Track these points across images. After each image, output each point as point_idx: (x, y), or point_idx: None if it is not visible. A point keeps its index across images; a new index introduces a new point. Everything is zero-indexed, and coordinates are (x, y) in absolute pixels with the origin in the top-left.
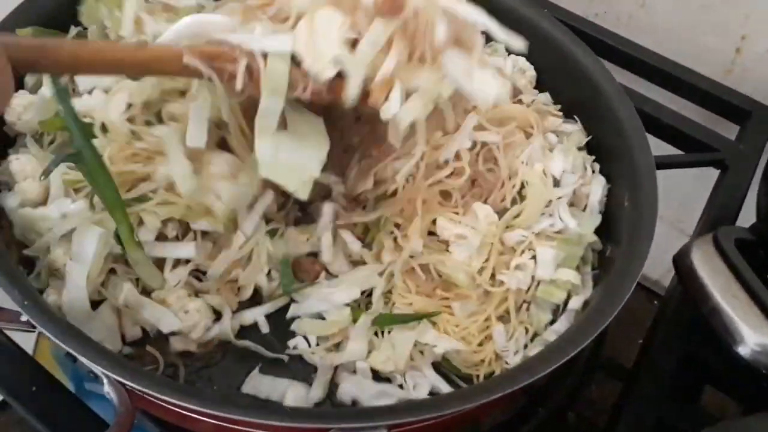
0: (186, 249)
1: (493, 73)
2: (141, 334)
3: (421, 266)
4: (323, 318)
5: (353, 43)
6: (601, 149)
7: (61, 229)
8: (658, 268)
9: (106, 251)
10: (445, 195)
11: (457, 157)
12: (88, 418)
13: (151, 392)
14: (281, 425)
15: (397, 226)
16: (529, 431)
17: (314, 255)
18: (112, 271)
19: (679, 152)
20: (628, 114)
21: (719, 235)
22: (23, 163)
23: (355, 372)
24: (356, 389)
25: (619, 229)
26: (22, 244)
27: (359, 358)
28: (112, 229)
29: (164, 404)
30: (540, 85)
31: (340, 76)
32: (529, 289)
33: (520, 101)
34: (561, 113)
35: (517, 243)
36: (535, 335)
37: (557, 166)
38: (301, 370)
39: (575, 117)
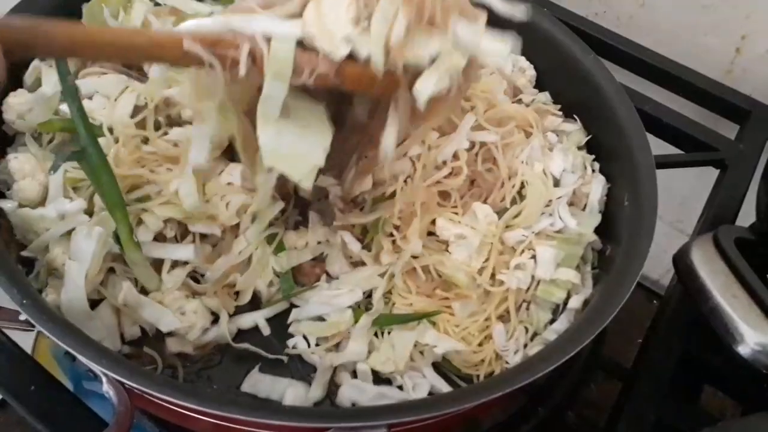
0: (185, 251)
1: (497, 37)
2: (140, 334)
3: (421, 266)
4: (323, 319)
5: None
6: (601, 148)
7: (59, 229)
8: (657, 267)
9: (105, 250)
10: (444, 195)
11: (455, 157)
12: (87, 417)
13: (150, 391)
14: (280, 424)
15: (396, 227)
16: (528, 431)
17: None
18: (111, 270)
19: (679, 152)
20: (628, 113)
21: (719, 234)
22: (22, 162)
23: (355, 373)
24: (356, 393)
25: (619, 229)
26: (21, 243)
27: (359, 358)
28: (111, 229)
29: (163, 403)
30: (540, 85)
31: (351, 58)
32: (529, 288)
33: (519, 100)
34: (561, 112)
35: (517, 242)
36: (535, 335)
37: (557, 166)
38: (301, 369)
39: (575, 116)
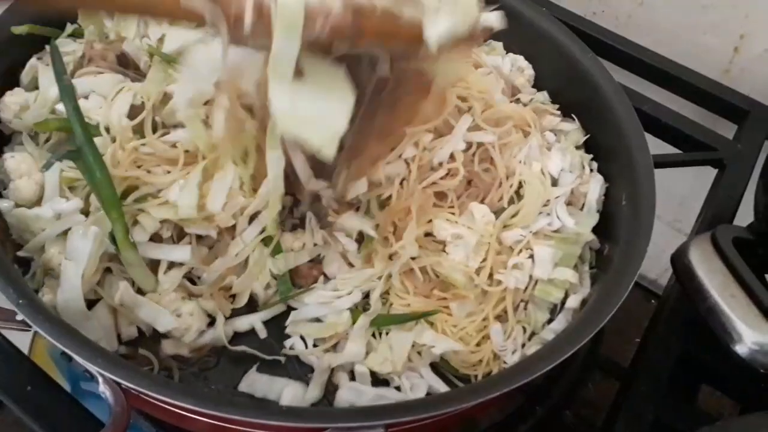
0: (181, 252)
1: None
2: (137, 334)
3: (418, 267)
4: (320, 320)
5: None
6: (599, 148)
7: (55, 229)
8: (655, 267)
9: (102, 250)
10: (441, 196)
11: (452, 157)
12: (83, 417)
13: (146, 392)
14: (277, 425)
15: (394, 230)
16: (526, 430)
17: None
18: (108, 270)
19: (677, 151)
20: (627, 113)
21: (717, 233)
22: (18, 162)
23: (353, 373)
24: (354, 396)
25: (617, 228)
26: (17, 243)
27: (357, 359)
28: (107, 229)
29: (160, 404)
30: (538, 84)
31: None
32: (526, 288)
33: (518, 100)
34: (559, 112)
35: (514, 242)
36: (533, 334)
37: (555, 165)
38: (298, 370)
39: (573, 116)
